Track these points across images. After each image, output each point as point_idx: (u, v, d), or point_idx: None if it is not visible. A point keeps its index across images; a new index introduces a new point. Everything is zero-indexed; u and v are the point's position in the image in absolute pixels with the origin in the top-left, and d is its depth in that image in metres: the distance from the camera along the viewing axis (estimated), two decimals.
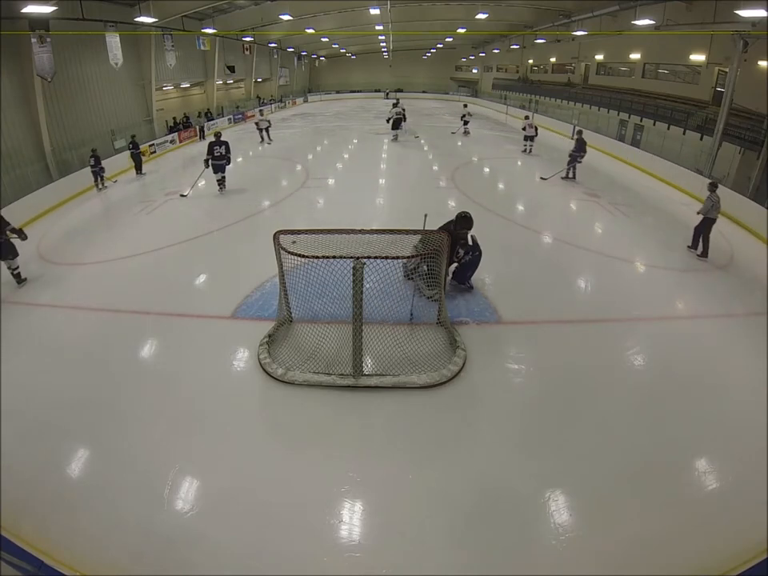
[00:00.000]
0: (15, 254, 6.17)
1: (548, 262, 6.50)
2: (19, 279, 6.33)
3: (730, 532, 2.78)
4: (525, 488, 3.06)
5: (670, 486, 3.10)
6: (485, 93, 33.77)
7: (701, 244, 6.82)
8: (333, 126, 20.93)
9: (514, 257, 6.60)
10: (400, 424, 3.61)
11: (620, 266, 6.47)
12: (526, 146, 14.38)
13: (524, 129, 14.20)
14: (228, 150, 9.84)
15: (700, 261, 6.71)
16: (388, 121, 16.13)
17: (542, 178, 11.17)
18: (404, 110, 16.10)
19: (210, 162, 9.69)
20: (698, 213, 6.85)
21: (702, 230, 6.82)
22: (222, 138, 9.96)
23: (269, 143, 16.60)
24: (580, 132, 11.97)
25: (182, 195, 10.00)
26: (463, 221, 5.21)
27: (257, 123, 17.00)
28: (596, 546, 2.70)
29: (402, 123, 15.98)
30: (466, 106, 17.81)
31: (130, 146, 12.40)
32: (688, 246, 7.07)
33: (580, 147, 11.34)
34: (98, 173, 11.06)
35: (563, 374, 4.19)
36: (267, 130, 16.87)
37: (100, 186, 11.23)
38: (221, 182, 10.11)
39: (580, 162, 11.44)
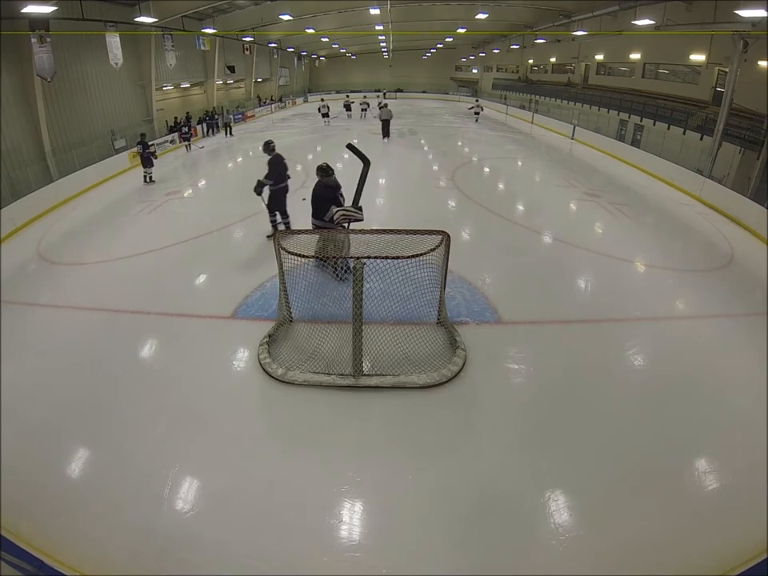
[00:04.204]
0: (152, 164, 11.49)
1: (548, 262, 6.50)
2: (151, 180, 11.46)
3: (730, 532, 2.78)
4: (525, 488, 3.06)
5: (670, 485, 3.10)
6: (485, 93, 33.77)
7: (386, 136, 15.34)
8: (333, 126, 20.94)
9: (514, 257, 6.60)
10: (400, 424, 3.61)
11: (620, 266, 6.47)
12: (476, 118, 22.66)
13: (472, 107, 22.96)
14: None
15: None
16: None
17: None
18: (369, 104, 23.34)
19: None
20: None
21: (383, 128, 15.75)
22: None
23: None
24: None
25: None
26: (321, 172, 5.46)
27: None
28: (596, 546, 2.70)
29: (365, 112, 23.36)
30: (347, 96, 25.46)
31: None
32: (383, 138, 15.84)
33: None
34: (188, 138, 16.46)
35: (563, 374, 4.19)
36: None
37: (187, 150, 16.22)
38: (188, 147, 16.12)
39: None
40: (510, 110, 26.00)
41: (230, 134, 19.28)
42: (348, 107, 23.31)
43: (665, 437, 3.47)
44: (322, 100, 23.12)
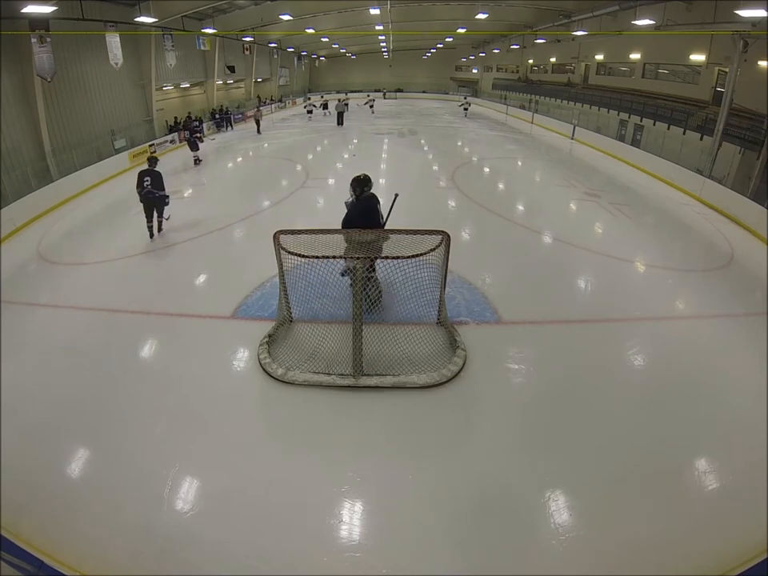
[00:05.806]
0: (198, 148, 13.41)
1: (548, 262, 6.50)
2: (198, 161, 13.30)
3: (730, 532, 2.78)
4: (525, 488, 3.06)
5: (670, 486, 3.10)
6: (485, 93, 33.79)
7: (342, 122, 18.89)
8: (333, 126, 20.94)
9: (514, 257, 6.60)
10: (400, 424, 3.61)
11: (620, 266, 6.47)
12: (466, 113, 25.25)
13: (461, 104, 26.18)
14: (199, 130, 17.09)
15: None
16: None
17: None
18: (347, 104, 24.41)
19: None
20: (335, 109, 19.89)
21: (339, 117, 19.73)
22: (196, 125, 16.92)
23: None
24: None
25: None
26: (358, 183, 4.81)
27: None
28: (596, 546, 2.70)
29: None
30: (321, 97, 30.04)
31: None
32: (337, 125, 19.55)
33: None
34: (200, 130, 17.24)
35: (563, 374, 4.19)
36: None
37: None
38: (199, 139, 15.15)
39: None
40: (509, 109, 26.02)
41: (258, 131, 19.75)
42: (325, 106, 26.13)
43: (665, 437, 3.47)
44: (309, 99, 28.05)
